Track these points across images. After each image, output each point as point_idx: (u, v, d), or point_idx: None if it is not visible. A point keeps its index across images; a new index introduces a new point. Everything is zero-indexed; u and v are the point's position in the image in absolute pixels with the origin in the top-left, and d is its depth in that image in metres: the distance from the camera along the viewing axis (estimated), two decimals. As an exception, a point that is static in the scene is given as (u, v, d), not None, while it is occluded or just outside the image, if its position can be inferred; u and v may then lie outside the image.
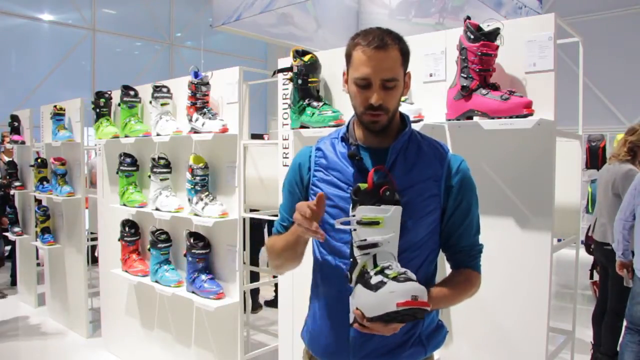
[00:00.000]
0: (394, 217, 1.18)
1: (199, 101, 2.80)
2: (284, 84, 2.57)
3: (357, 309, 1.15)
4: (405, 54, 1.28)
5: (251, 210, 3.14)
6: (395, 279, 1.11)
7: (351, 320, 1.19)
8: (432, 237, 1.33)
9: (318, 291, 1.40)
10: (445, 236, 1.36)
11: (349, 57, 1.29)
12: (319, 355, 1.39)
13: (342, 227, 1.20)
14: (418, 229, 1.28)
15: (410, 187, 1.28)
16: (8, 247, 6.19)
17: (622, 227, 3.02)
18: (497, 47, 1.80)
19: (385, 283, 1.11)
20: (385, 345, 1.28)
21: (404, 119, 1.37)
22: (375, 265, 1.16)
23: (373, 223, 1.15)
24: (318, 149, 1.40)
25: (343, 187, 1.31)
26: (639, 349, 2.91)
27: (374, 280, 1.13)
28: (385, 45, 1.23)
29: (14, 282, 5.71)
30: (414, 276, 1.15)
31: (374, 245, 1.16)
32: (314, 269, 1.42)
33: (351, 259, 1.21)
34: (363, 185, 1.20)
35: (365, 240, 1.16)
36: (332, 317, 1.34)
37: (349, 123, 1.38)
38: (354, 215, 1.18)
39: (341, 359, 1.33)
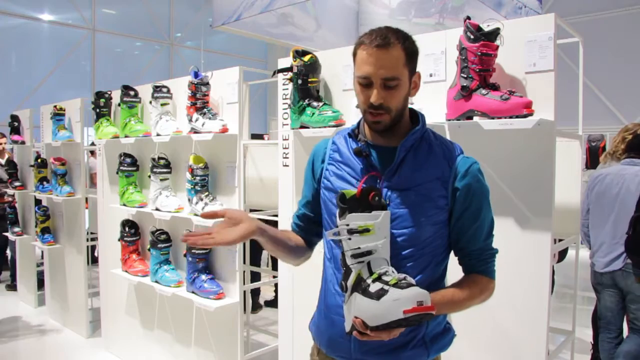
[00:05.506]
0: (384, 223, 1.16)
1: (199, 101, 2.80)
2: (284, 84, 2.57)
3: (356, 317, 1.11)
4: (410, 53, 1.26)
5: (251, 211, 3.14)
6: (396, 285, 1.08)
7: (347, 329, 1.16)
8: (439, 238, 1.31)
9: (326, 286, 1.40)
10: (454, 239, 1.34)
11: (354, 56, 1.29)
12: (323, 347, 1.41)
13: (333, 237, 1.18)
14: (423, 228, 1.27)
15: (416, 186, 1.27)
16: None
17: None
18: (497, 47, 1.80)
19: (387, 291, 1.07)
20: (387, 344, 1.28)
21: (417, 117, 1.36)
22: (371, 273, 1.13)
23: (365, 231, 1.13)
24: (334, 142, 1.41)
25: (352, 182, 1.32)
26: None
27: (373, 288, 1.10)
28: (387, 44, 1.22)
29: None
30: (413, 281, 1.13)
31: (368, 252, 1.13)
32: (324, 264, 1.43)
33: (344, 268, 1.18)
34: (348, 193, 1.17)
35: (358, 248, 1.13)
36: (337, 313, 1.34)
37: (360, 119, 1.38)
38: (345, 225, 1.15)
39: (343, 353, 1.33)
